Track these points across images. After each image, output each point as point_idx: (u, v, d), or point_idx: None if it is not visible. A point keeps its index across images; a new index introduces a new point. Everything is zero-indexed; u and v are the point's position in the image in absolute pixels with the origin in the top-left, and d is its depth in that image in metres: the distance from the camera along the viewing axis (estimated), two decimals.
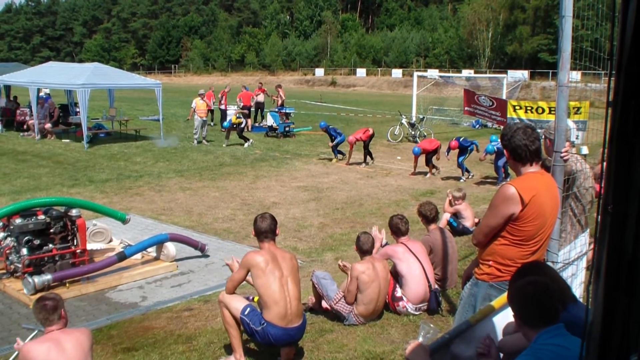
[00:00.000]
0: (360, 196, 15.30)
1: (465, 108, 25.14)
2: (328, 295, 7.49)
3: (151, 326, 7.80)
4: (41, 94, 28.08)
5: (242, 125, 24.22)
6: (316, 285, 7.64)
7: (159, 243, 10.09)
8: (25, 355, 4.86)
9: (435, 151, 18.49)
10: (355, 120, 35.31)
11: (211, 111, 29.71)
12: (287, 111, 28.35)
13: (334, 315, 7.61)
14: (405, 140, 26.67)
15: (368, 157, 20.59)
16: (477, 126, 32.09)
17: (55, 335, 4.93)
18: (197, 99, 25.35)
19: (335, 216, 13.45)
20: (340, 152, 21.45)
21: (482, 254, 5.03)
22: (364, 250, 7.52)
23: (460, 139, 18.33)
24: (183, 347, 7.03)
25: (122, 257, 9.48)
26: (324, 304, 7.71)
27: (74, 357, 4.86)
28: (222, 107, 29.42)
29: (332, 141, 21.04)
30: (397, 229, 8.00)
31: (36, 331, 5.44)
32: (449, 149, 18.54)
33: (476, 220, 11.48)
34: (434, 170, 18.75)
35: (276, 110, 28.48)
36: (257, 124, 30.55)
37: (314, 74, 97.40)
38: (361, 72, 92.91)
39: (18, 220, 9.06)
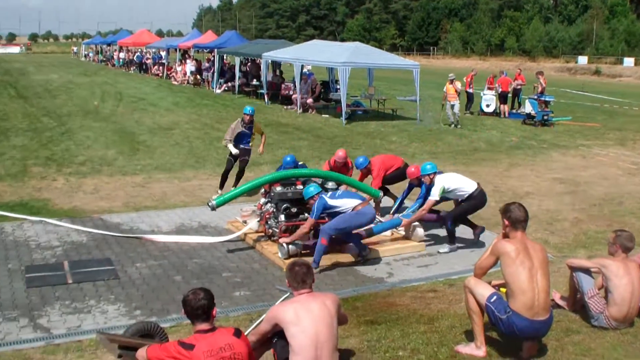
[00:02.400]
0: (621, 194, 14.36)
1: None
2: (582, 287, 7.12)
3: (395, 303, 7.91)
4: (304, 70, 29.39)
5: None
6: (574, 275, 7.27)
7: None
8: (274, 315, 5.15)
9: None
10: (621, 112, 33.19)
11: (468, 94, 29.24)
12: (547, 99, 27.31)
13: (583, 315, 7.24)
14: None
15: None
16: None
17: (302, 298, 5.17)
18: (448, 83, 25.21)
19: (592, 212, 12.76)
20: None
21: None
22: (627, 247, 7.09)
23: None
24: (424, 327, 7.05)
25: (369, 233, 9.71)
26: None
27: (320, 317, 5.06)
28: (470, 90, 28.82)
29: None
30: None
31: (288, 293, 5.71)
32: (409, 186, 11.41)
33: None
34: None
35: (535, 97, 27.56)
36: (514, 111, 29.76)
37: (576, 62, 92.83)
38: (629, 61, 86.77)
39: (278, 188, 9.64)
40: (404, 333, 6.87)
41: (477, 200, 10.05)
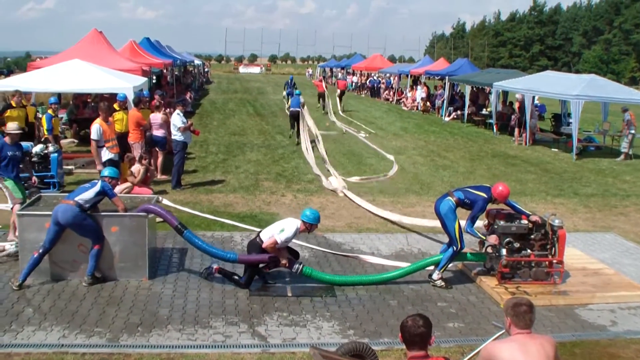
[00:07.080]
0: None
1: None
2: None
3: (617, 354, 7.52)
4: (537, 101, 28.64)
5: None
6: None
7: None
8: (489, 352, 5.00)
9: None
10: None
11: None
12: None
13: None
14: None
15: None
16: None
17: (520, 338, 4.98)
18: None
19: None
20: None
21: None
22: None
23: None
24: None
25: None
26: None
27: None
28: None
29: None
30: None
31: (503, 331, 5.55)
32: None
33: None
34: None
35: None
36: None
37: None
38: None
39: (502, 222, 9.43)
40: None
41: None
